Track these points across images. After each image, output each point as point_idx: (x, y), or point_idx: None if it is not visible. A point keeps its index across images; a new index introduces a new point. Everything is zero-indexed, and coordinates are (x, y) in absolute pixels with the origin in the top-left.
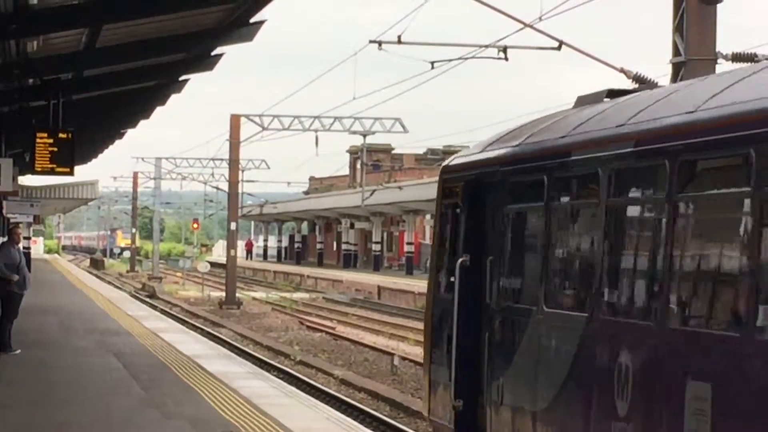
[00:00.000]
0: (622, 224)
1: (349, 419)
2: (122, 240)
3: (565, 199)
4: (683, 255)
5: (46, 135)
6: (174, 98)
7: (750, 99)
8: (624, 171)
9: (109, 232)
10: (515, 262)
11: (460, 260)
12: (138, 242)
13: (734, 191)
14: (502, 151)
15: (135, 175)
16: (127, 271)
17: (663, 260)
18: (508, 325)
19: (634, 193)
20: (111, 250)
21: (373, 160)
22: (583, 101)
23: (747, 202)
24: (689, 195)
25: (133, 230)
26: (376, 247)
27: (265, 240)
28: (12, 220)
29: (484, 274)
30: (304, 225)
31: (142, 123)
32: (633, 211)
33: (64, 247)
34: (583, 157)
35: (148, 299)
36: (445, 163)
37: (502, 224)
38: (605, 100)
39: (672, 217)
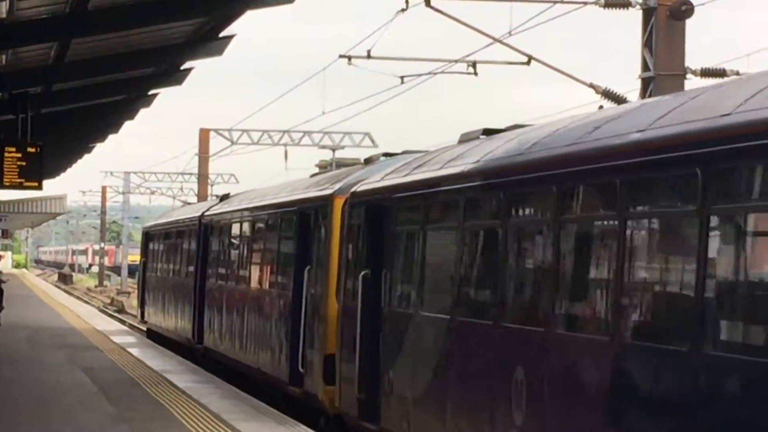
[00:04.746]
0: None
1: None
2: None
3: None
4: None
5: (14, 149)
6: (143, 112)
7: None
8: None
9: (116, 247)
10: (158, 260)
11: (142, 260)
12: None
13: None
14: (159, 221)
15: (104, 190)
16: (96, 286)
17: None
18: (158, 281)
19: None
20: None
21: None
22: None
23: None
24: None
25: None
26: None
27: None
28: None
29: (148, 267)
30: None
31: (111, 137)
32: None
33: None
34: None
35: (116, 314)
36: (144, 226)
37: (153, 250)
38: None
39: None
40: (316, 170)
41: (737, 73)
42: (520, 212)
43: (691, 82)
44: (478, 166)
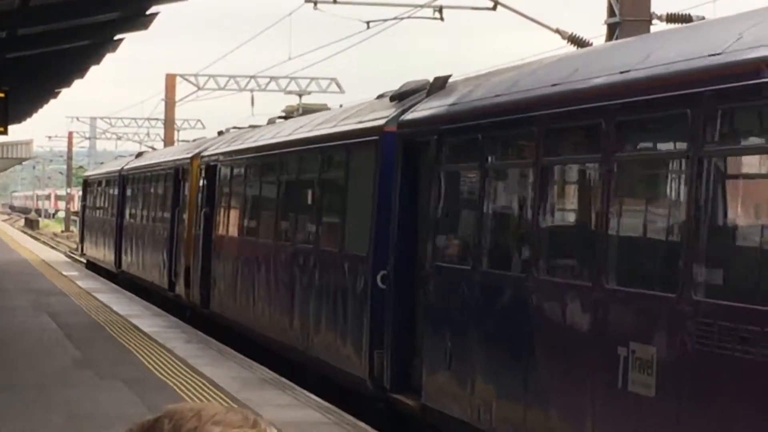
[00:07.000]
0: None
1: (284, 380)
2: None
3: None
4: None
5: None
6: (109, 57)
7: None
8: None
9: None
10: (92, 204)
11: (82, 204)
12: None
13: None
14: (94, 172)
15: (70, 135)
16: (62, 231)
17: None
18: (92, 221)
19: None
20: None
21: None
22: None
23: None
24: None
25: (69, 190)
26: None
27: None
28: None
29: (87, 209)
30: None
31: (77, 82)
32: None
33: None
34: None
35: (82, 259)
36: (83, 175)
37: (89, 196)
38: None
39: None
40: (282, 115)
41: (703, 18)
42: (276, 176)
43: (657, 28)
44: (254, 145)
